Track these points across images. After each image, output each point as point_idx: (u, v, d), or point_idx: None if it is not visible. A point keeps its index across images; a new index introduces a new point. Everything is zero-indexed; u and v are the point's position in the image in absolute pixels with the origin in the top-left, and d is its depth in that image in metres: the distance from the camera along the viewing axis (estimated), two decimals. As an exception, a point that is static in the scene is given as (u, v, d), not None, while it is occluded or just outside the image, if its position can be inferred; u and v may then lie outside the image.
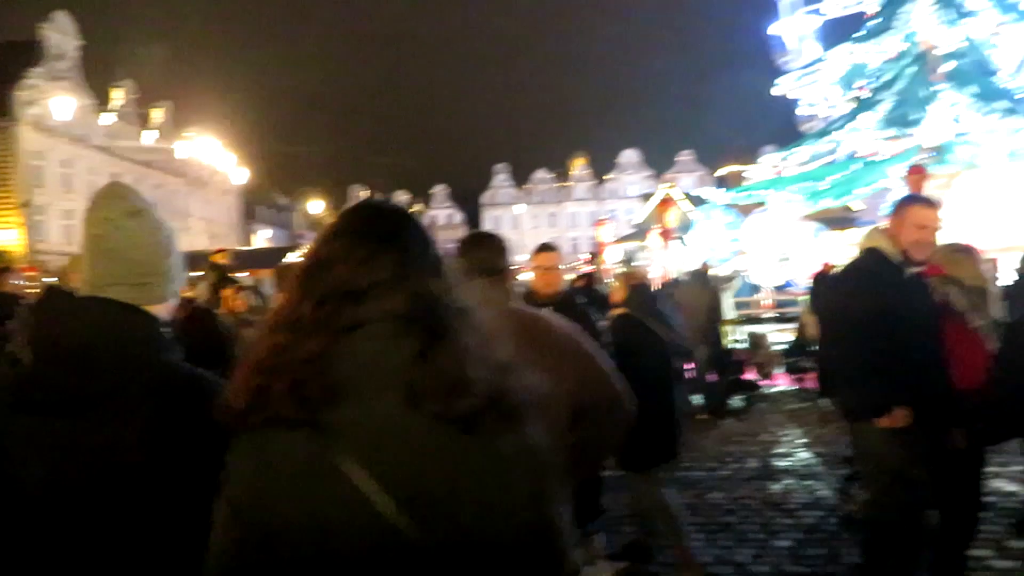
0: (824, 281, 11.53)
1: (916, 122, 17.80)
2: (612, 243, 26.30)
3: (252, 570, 1.15)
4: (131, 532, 1.43)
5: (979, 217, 14.40)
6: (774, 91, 20.89)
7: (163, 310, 1.64)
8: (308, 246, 1.34)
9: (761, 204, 19.39)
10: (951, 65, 18.12)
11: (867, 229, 3.99)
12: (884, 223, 3.75)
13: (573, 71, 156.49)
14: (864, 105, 19.49)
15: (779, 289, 16.35)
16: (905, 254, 3.47)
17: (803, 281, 14.48)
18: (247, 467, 1.16)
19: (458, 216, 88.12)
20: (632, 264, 29.55)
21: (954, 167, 16.52)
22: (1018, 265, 6.78)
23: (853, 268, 3.74)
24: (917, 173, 12.02)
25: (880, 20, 19.56)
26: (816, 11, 28.39)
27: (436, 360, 1.15)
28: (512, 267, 2.49)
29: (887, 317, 3.31)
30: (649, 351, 4.48)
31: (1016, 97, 17.37)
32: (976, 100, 17.23)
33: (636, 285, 4.92)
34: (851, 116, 19.52)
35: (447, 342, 1.17)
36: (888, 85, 19.05)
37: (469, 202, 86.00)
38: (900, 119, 17.94)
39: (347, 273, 1.20)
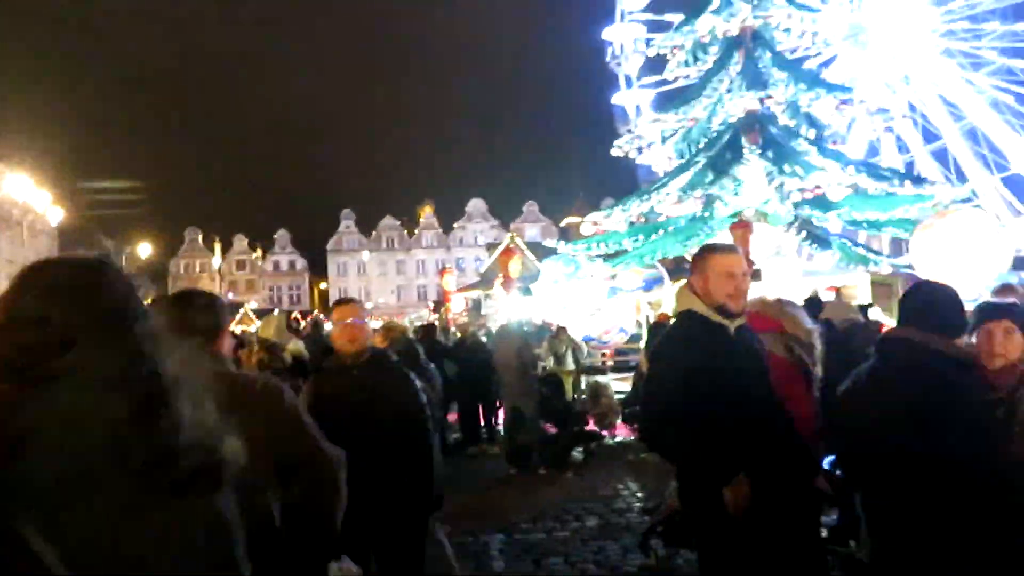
0: (661, 330, 11.83)
1: (735, 182, 19.06)
2: (456, 292, 26.18)
3: None
4: None
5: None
6: (613, 152, 21.78)
7: None
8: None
9: (601, 256, 19.98)
10: (760, 130, 19.60)
11: (677, 290, 3.55)
12: (691, 280, 3.34)
13: (421, 120, 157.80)
14: (685, 167, 20.68)
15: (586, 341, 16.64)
16: (722, 308, 3.16)
17: (606, 336, 14.84)
18: None
19: (301, 262, 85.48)
20: (479, 312, 29.59)
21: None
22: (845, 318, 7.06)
23: (671, 339, 3.32)
24: (742, 228, 12.63)
25: (699, 89, 20.88)
26: (652, 84, 30.21)
27: (148, 423, 1.14)
28: (223, 328, 2.42)
29: (720, 385, 3.03)
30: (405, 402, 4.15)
31: (813, 162, 18.93)
32: (784, 163, 18.65)
33: (396, 338, 4.82)
34: (674, 176, 20.61)
35: (159, 404, 1.16)
36: (708, 148, 20.32)
37: (313, 248, 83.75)
38: (719, 180, 19.11)
39: (33, 332, 1.15)
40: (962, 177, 31.31)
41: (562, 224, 56.24)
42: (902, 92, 31.17)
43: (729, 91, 19.76)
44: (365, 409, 3.36)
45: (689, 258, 17.66)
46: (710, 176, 19.30)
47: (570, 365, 12.80)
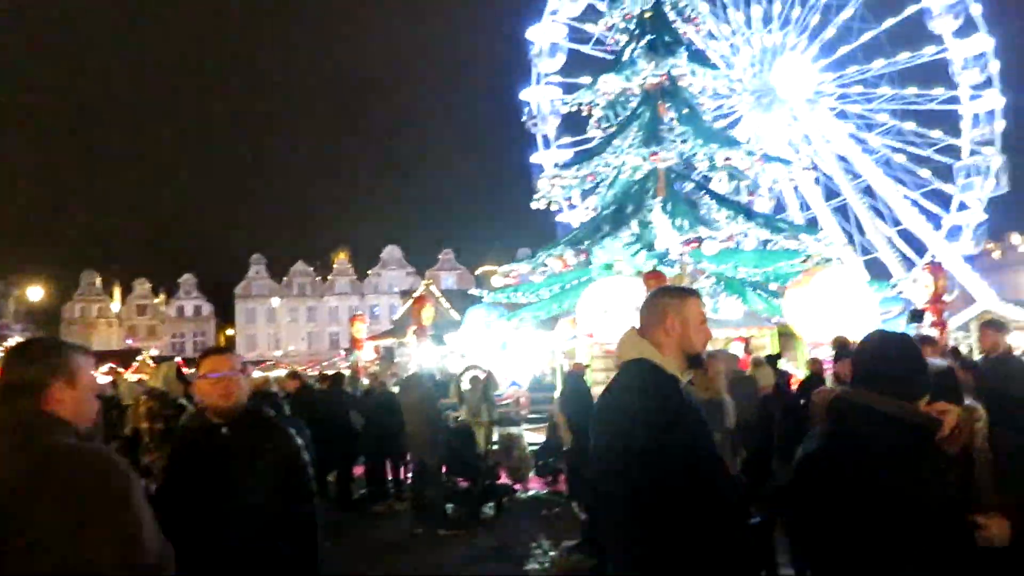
0: (575, 380, 11.66)
1: (645, 233, 19.37)
2: (368, 339, 25.52)
3: None
4: None
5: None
6: (533, 205, 21.85)
7: None
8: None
9: (517, 305, 19.85)
10: (672, 181, 20.09)
11: (625, 337, 2.81)
12: (657, 326, 2.74)
13: (336, 163, 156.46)
14: (593, 221, 20.95)
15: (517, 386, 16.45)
16: (693, 359, 2.74)
17: (524, 381, 14.68)
18: None
19: (207, 308, 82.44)
20: (391, 360, 28.94)
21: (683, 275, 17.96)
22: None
23: (630, 392, 2.62)
24: (655, 278, 12.70)
25: (602, 146, 21.28)
26: (570, 144, 30.80)
27: None
28: (50, 383, 2.03)
29: (696, 453, 2.57)
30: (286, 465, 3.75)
31: (716, 216, 19.50)
32: (688, 216, 19.09)
33: (258, 390, 4.75)
34: (589, 227, 20.82)
35: None
36: (614, 202, 20.66)
37: (221, 294, 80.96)
38: (623, 231, 19.38)
39: None
40: (861, 232, 32.99)
41: (478, 272, 56.26)
42: (804, 151, 32.70)
43: (632, 147, 20.23)
44: (238, 474, 2.96)
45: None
46: (612, 229, 19.57)
47: (483, 415, 12.47)
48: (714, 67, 21.87)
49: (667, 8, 21.07)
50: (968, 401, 2.86)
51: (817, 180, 33.54)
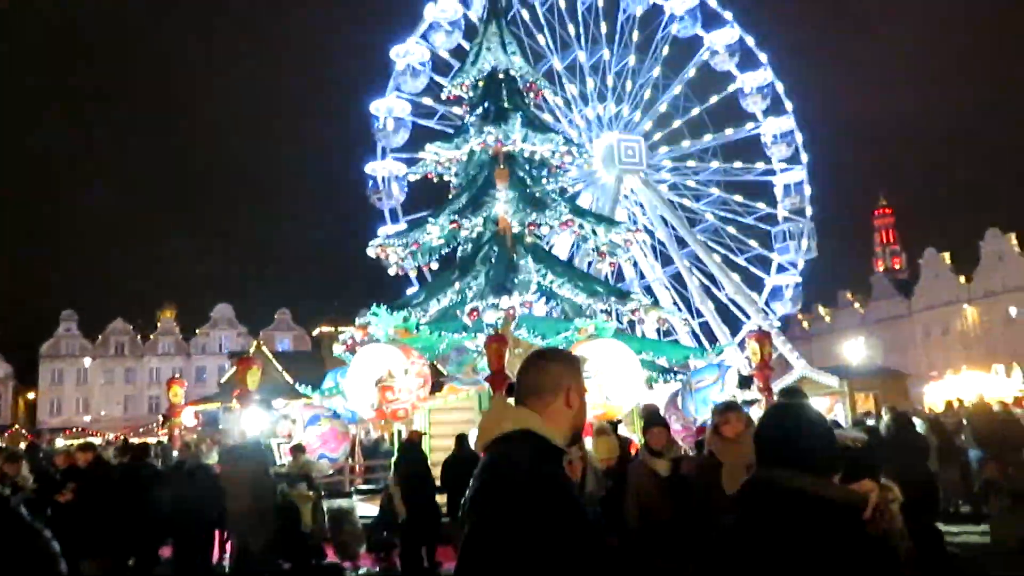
0: (412, 449, 11.02)
1: (495, 294, 19.26)
2: (189, 405, 23.51)
3: None
4: None
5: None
6: (369, 251, 21.18)
7: None
8: None
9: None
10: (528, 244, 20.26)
11: (498, 404, 2.34)
12: (541, 395, 2.28)
13: (166, 220, 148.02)
14: (445, 277, 20.70)
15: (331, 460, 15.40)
16: (573, 437, 2.33)
17: (334, 453, 13.89)
18: None
19: (4, 369, 73.81)
20: (214, 428, 26.75)
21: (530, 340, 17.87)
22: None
23: (521, 473, 2.08)
24: (497, 341, 12.41)
25: (462, 201, 21.26)
26: (403, 159, 30.65)
27: None
28: None
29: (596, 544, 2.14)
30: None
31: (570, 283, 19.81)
32: (557, 278, 19.25)
33: None
34: (435, 287, 20.50)
35: None
36: (468, 259, 20.54)
37: (22, 353, 72.84)
38: (478, 293, 19.23)
39: None
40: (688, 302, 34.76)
41: (315, 333, 54.17)
42: (639, 221, 34.27)
43: (468, 212, 20.34)
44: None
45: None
46: (448, 293, 19.40)
47: (309, 488, 11.49)
48: (553, 132, 22.47)
49: (501, 76, 21.59)
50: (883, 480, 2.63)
51: (654, 249, 35.33)
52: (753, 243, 35.59)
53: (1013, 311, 63.46)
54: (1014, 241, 64.93)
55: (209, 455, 10.36)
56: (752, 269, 35.51)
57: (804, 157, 35.25)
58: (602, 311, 19.27)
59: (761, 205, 35.38)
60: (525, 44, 22.93)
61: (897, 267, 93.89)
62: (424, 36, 32.45)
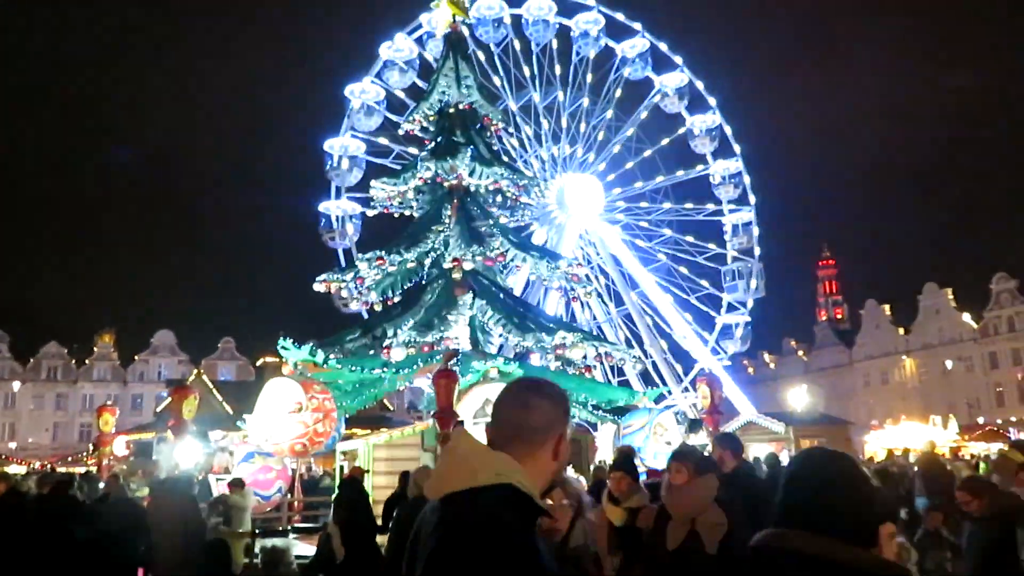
0: (353, 486, 10.62)
1: (440, 330, 19.03)
2: (120, 434, 22.58)
3: None
4: None
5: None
6: (316, 287, 20.80)
7: None
8: None
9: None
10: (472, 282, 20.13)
11: (466, 443, 1.84)
12: (526, 441, 1.86)
13: (108, 242, 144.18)
14: (391, 312, 20.43)
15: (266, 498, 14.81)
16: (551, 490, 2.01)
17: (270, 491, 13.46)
18: None
19: (-78, 391, 70.32)
20: (147, 459, 25.65)
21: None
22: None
23: (499, 538, 1.67)
24: (446, 377, 12.14)
25: (411, 238, 21.10)
26: (358, 199, 30.40)
27: None
28: None
29: None
30: None
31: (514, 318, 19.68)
32: (495, 314, 19.07)
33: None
34: (381, 321, 20.19)
35: None
36: (416, 297, 20.33)
37: (-53, 374, 69.54)
38: (426, 327, 18.98)
39: None
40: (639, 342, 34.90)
41: (258, 363, 52.87)
42: (592, 261, 34.48)
43: (403, 247, 20.17)
44: None
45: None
46: (411, 323, 19.10)
47: (246, 525, 10.98)
48: (508, 168, 22.54)
49: (452, 111, 21.66)
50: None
51: (608, 288, 35.56)
52: (704, 283, 36.21)
53: (949, 364, 65.42)
54: (950, 296, 67.17)
55: (139, 487, 9.82)
56: (703, 307, 36.07)
57: (752, 198, 36.14)
58: (539, 347, 19.17)
59: (711, 245, 36.13)
60: (480, 83, 23.16)
61: (839, 317, 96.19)
62: (379, 75, 32.64)
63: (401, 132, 24.07)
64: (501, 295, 20.95)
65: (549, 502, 1.95)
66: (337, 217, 31.75)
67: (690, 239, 36.33)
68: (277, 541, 11.05)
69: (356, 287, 20.59)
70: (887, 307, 73.70)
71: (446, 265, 19.77)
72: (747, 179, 36.20)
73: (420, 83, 30.97)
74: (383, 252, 20.08)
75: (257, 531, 10.40)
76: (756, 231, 36.03)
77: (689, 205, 36.88)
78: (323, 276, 20.90)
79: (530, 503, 1.73)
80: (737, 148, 36.14)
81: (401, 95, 32.53)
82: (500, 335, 20.14)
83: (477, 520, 1.67)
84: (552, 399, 1.90)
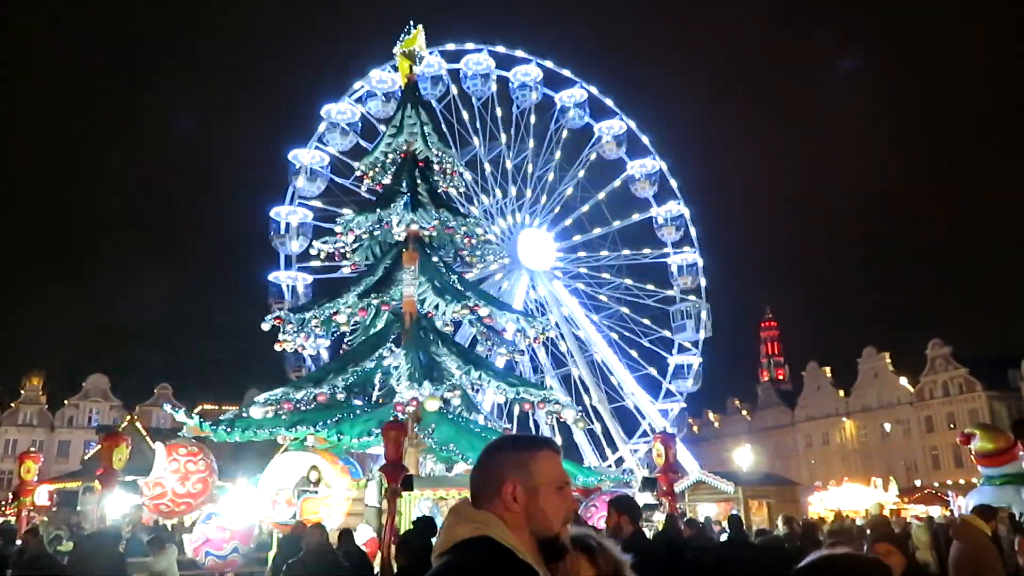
0: (292, 545, 10.10)
1: (387, 381, 18.67)
2: (44, 483, 21.37)
3: None
4: None
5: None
6: (265, 325, 20.22)
7: None
8: None
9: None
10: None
11: (452, 503, 1.93)
12: (485, 497, 1.93)
13: (36, 275, 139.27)
14: (342, 359, 19.97)
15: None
16: (550, 543, 1.84)
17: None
18: None
19: None
20: (73, 510, 24.25)
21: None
22: None
23: None
24: (396, 429, 11.79)
25: (366, 285, 20.75)
26: (308, 268, 30.07)
27: None
28: None
29: None
30: None
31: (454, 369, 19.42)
32: (456, 360, 18.77)
33: None
34: (327, 370, 19.71)
35: None
36: (368, 344, 19.89)
37: None
38: (373, 376, 18.59)
39: None
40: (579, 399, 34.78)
41: (196, 412, 51.23)
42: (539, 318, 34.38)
43: (380, 290, 19.86)
44: None
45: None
46: (350, 373, 18.70)
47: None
48: (467, 220, 22.48)
49: (420, 159, 21.64)
50: None
51: (557, 347, 35.50)
52: (654, 326, 36.69)
53: (887, 427, 66.77)
54: (888, 360, 68.90)
55: (63, 541, 9.16)
56: (655, 349, 36.48)
57: (693, 230, 36.85)
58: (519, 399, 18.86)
59: (658, 287, 36.78)
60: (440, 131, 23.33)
61: (781, 378, 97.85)
62: (321, 139, 32.97)
63: (358, 176, 23.72)
64: (450, 344, 20.65)
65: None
66: (288, 286, 31.42)
67: (641, 285, 36.88)
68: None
69: (306, 333, 20.15)
70: (828, 369, 75.18)
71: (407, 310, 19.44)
72: (687, 212, 36.81)
73: (364, 143, 31.40)
74: (353, 295, 19.85)
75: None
76: (701, 262, 36.58)
77: (643, 250, 37.49)
78: (284, 339, 20.31)
79: (506, 553, 1.76)
80: (676, 188, 36.98)
81: (344, 158, 32.80)
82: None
83: (455, 568, 1.76)
84: (500, 451, 1.96)
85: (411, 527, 9.63)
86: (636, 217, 37.58)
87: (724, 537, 12.71)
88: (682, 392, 36.14)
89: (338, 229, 20.85)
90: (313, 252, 21.84)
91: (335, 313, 19.88)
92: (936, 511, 29.86)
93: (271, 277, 31.74)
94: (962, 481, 43.62)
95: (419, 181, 21.45)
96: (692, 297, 36.55)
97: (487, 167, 35.51)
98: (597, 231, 37.42)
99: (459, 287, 21.21)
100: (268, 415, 17.87)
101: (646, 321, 36.75)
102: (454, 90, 35.08)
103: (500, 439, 2.09)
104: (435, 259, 20.88)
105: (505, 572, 1.72)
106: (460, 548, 1.78)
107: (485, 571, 1.71)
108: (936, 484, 46.51)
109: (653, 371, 36.12)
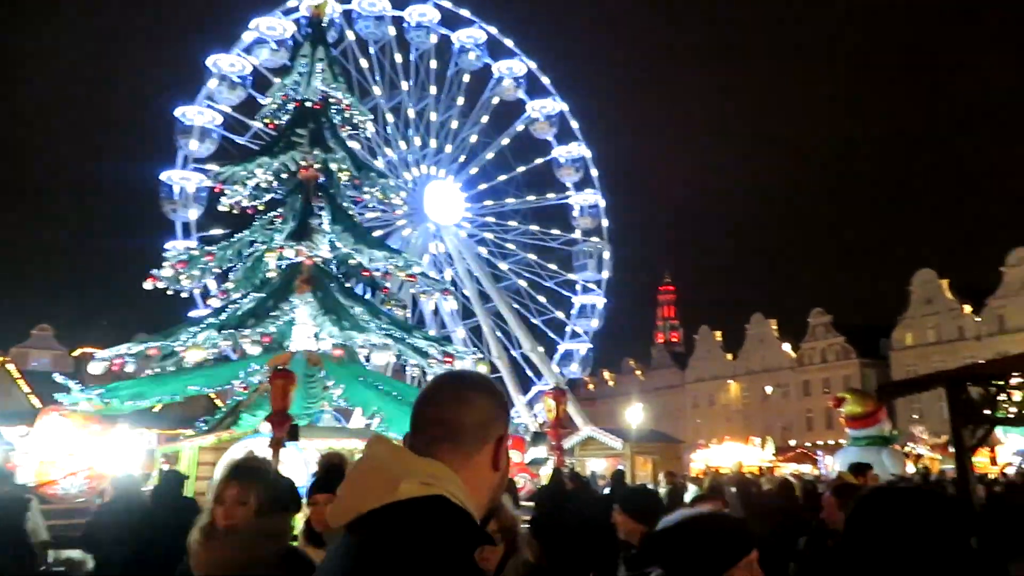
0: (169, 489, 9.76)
1: (276, 327, 18.21)
2: None
3: None
4: None
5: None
6: (149, 281, 19.25)
7: None
8: None
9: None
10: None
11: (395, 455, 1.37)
12: (460, 445, 1.41)
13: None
14: (226, 306, 19.33)
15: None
16: (489, 507, 1.49)
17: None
18: None
19: None
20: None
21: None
22: None
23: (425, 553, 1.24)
24: (283, 378, 11.53)
25: (251, 234, 20.06)
26: (205, 192, 28.65)
27: None
28: None
29: None
30: None
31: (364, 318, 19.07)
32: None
33: None
34: (214, 315, 19.05)
35: None
36: (256, 290, 19.29)
37: None
38: (260, 323, 18.07)
39: None
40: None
41: (75, 354, 48.76)
42: (447, 272, 34.29)
43: (280, 236, 19.21)
44: None
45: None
46: (251, 320, 18.11)
47: (42, 535, 9.83)
48: (372, 171, 21.94)
49: (326, 105, 20.90)
50: None
51: (462, 299, 35.50)
52: (561, 271, 37.29)
53: (769, 389, 70.55)
54: (774, 327, 72.51)
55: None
56: (563, 292, 37.29)
57: (595, 172, 37.31)
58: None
59: (567, 232, 37.19)
60: (349, 74, 22.50)
61: (675, 340, 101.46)
62: (247, 50, 31.12)
63: (266, 109, 22.58)
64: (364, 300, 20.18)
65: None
66: (181, 188, 29.72)
67: (542, 228, 37.31)
68: (73, 553, 9.98)
69: (199, 268, 19.36)
70: (719, 333, 78.52)
71: (310, 260, 18.83)
72: (587, 153, 36.94)
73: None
74: (255, 238, 19.12)
75: (49, 541, 9.30)
76: (603, 203, 37.11)
77: (545, 195, 37.60)
78: (166, 277, 19.34)
79: (468, 522, 1.31)
80: (577, 129, 36.93)
81: (268, 74, 31.09)
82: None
83: (398, 546, 1.24)
84: (491, 394, 1.51)
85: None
86: (539, 161, 37.61)
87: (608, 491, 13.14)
88: (587, 332, 36.94)
89: (242, 173, 19.88)
90: (223, 209, 20.63)
91: (228, 258, 19.18)
92: (807, 469, 31.91)
93: (163, 176, 29.56)
94: (831, 442, 46.62)
95: (323, 121, 20.71)
96: (594, 239, 37.14)
97: (389, 117, 34.72)
98: (503, 178, 37.38)
99: (367, 238, 20.82)
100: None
101: (552, 266, 37.21)
102: (350, 36, 33.89)
103: (478, 377, 1.58)
104: (333, 204, 20.27)
105: (471, 549, 1.29)
106: (405, 512, 1.28)
107: (452, 547, 1.26)
108: (808, 444, 49.52)
109: (560, 314, 36.79)
